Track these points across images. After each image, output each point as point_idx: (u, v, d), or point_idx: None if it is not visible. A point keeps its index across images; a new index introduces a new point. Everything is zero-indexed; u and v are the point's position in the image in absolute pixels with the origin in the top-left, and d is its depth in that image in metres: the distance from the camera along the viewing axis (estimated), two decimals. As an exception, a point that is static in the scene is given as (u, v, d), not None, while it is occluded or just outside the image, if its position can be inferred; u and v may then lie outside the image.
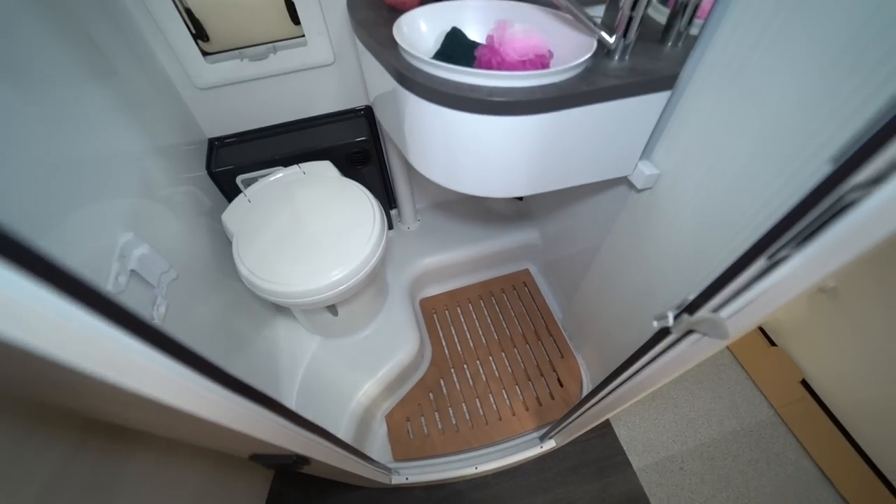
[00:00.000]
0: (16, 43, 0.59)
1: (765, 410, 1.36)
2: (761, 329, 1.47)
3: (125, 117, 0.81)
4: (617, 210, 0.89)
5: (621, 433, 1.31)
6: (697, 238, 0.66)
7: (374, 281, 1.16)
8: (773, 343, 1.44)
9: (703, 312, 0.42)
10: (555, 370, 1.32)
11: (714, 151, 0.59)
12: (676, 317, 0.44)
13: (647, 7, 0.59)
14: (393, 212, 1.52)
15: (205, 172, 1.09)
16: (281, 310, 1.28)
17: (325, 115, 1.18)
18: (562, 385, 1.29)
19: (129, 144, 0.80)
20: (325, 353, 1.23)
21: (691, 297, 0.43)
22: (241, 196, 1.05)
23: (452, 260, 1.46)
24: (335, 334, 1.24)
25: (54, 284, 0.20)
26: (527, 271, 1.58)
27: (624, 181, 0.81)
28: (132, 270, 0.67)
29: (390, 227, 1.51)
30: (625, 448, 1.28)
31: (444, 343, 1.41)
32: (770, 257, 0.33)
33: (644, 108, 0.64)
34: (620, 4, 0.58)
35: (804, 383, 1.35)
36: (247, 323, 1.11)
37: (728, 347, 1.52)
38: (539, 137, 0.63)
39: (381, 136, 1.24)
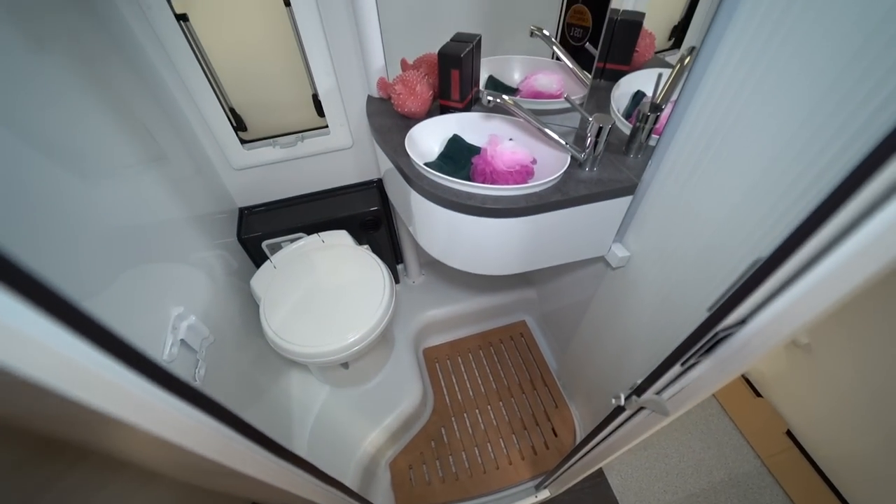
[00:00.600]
0: (83, 134, 0.71)
1: (752, 461, 1.42)
2: (746, 380, 1.56)
3: (172, 192, 0.95)
4: (599, 279, 1.01)
5: (614, 482, 1.37)
6: (658, 316, 0.78)
7: (383, 336, 1.27)
8: (758, 394, 1.51)
9: (649, 394, 0.54)
10: (549, 420, 1.40)
11: (665, 249, 0.72)
12: (628, 397, 0.55)
13: (608, 135, 0.74)
14: (399, 267, 1.65)
15: (235, 238, 1.24)
16: (295, 362, 1.39)
17: (342, 187, 1.34)
18: (556, 435, 1.36)
19: (175, 214, 0.94)
20: (335, 402, 1.32)
21: (639, 381, 0.54)
22: (267, 263, 1.19)
23: (454, 312, 1.58)
24: (344, 384, 1.34)
25: (123, 360, 0.29)
26: (524, 322, 1.68)
27: (602, 259, 0.94)
28: (181, 340, 0.79)
29: (397, 281, 1.64)
30: (618, 498, 1.34)
31: (445, 392, 1.50)
32: (683, 363, 0.45)
33: (611, 208, 0.78)
34: (588, 133, 0.73)
35: (789, 434, 1.41)
36: (265, 375, 1.21)
37: (715, 397, 1.60)
38: (524, 233, 0.77)
39: (390, 204, 1.39)
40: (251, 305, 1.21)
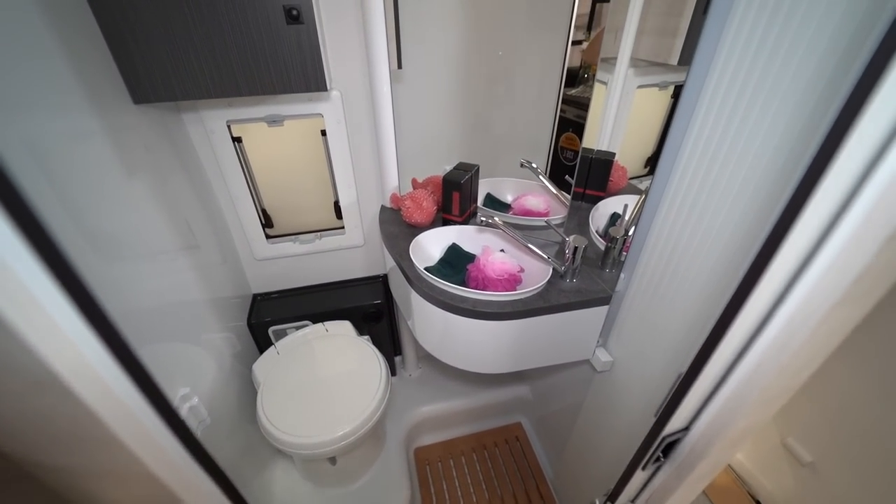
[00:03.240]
0: (135, 227, 0.83)
1: None
2: (756, 501, 1.46)
3: (198, 277, 1.05)
4: (588, 382, 1.05)
5: None
6: (646, 423, 0.81)
7: (375, 431, 1.26)
8: (770, 519, 1.41)
9: (622, 499, 0.56)
10: (544, 539, 1.30)
11: (642, 356, 0.78)
12: (604, 503, 0.57)
13: (584, 251, 0.86)
14: (397, 358, 1.68)
15: (244, 323, 1.31)
16: (280, 453, 1.36)
17: (350, 279, 1.46)
18: (551, 558, 1.26)
19: (196, 297, 1.03)
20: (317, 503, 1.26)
21: (612, 486, 0.57)
22: (271, 348, 1.25)
23: (449, 409, 1.56)
24: (329, 484, 1.28)
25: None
26: (519, 424, 1.65)
27: (588, 362, 1.00)
28: (182, 421, 0.82)
29: (393, 373, 1.66)
30: None
31: (434, 500, 1.41)
32: (643, 467, 0.49)
33: (590, 316, 0.87)
34: (566, 253, 0.85)
35: (810, 571, 1.28)
36: (249, 467, 1.19)
37: (725, 524, 1.48)
38: (512, 335, 0.85)
39: (392, 299, 1.49)
40: (248, 391, 1.24)
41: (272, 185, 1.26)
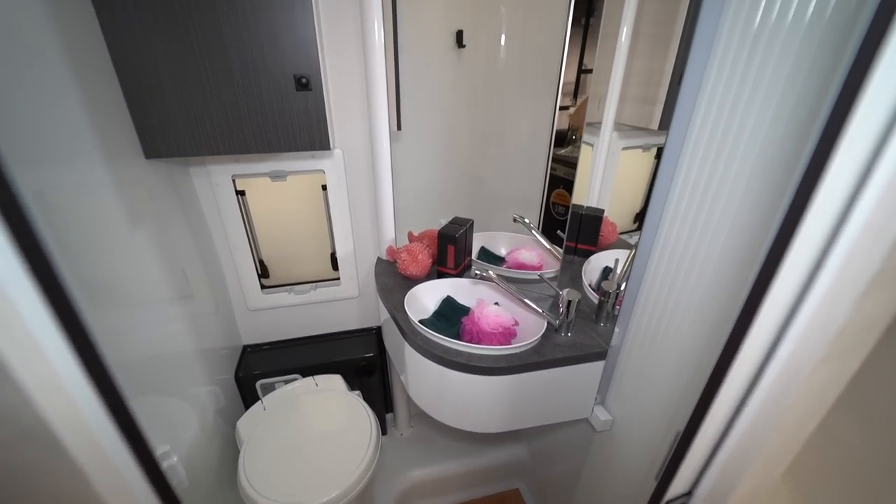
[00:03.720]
0: (134, 275, 0.83)
1: None
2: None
3: (189, 327, 1.03)
4: (588, 443, 1.00)
5: None
6: (647, 486, 0.77)
7: (362, 497, 1.17)
8: None
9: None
10: None
11: (643, 413, 0.76)
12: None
13: (578, 304, 0.87)
14: (389, 416, 1.61)
15: (231, 376, 1.27)
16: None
17: (343, 331, 1.44)
18: None
19: (185, 348, 1.00)
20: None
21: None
22: (258, 404, 1.20)
23: (442, 473, 1.47)
24: (310, 558, 1.17)
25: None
26: (517, 491, 1.54)
27: (587, 421, 0.96)
28: (156, 484, 0.77)
29: (384, 432, 1.58)
30: None
31: (425, 578, 1.28)
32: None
33: (586, 371, 0.85)
34: (560, 306, 0.86)
35: None
36: (225, 537, 1.09)
37: None
38: (507, 391, 0.83)
39: (385, 351, 1.46)
40: (229, 451, 1.17)
41: (271, 237, 1.28)
